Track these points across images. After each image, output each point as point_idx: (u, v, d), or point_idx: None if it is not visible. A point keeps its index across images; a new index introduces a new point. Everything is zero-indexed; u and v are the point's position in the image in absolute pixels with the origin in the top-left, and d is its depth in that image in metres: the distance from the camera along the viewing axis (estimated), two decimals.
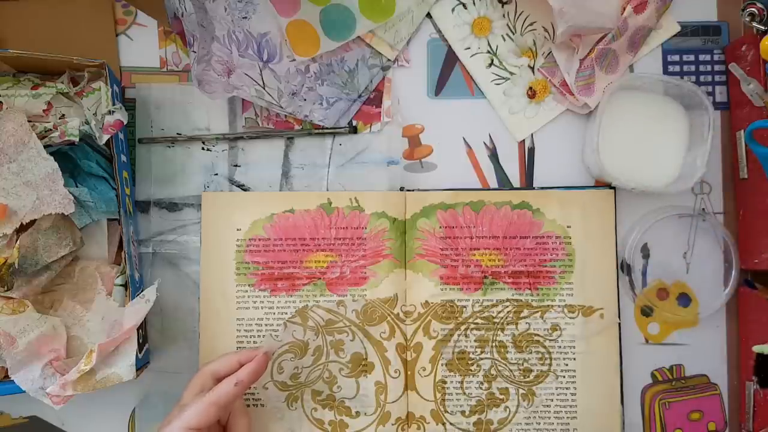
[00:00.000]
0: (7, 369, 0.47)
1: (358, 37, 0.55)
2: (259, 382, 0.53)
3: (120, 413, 0.54)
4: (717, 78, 0.56)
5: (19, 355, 0.47)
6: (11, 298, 0.48)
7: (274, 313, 0.54)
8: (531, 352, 0.54)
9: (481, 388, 0.54)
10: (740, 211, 0.55)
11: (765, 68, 0.51)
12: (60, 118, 0.51)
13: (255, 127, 0.56)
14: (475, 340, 0.54)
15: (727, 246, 0.55)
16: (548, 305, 0.54)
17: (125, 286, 0.50)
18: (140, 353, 0.49)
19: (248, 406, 0.53)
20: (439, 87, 0.56)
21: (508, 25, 0.56)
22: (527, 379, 0.54)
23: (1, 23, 0.53)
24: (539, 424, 0.54)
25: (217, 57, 0.54)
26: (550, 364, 0.54)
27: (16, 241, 0.48)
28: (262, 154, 0.56)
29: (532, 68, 0.56)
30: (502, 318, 0.54)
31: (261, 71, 0.54)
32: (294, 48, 0.54)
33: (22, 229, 0.48)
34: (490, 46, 0.56)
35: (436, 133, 0.56)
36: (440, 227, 0.54)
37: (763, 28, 0.51)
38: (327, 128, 0.55)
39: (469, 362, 0.54)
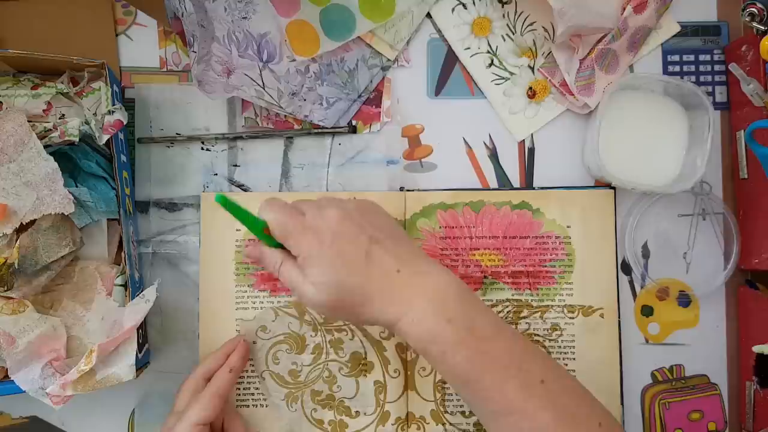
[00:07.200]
0: (7, 369, 0.47)
1: (358, 37, 0.55)
2: (255, 371, 0.53)
3: (120, 413, 0.54)
4: (717, 78, 0.56)
5: (19, 355, 0.47)
6: (11, 298, 0.48)
7: None
8: None
9: None
10: (740, 211, 0.55)
11: (765, 68, 0.51)
12: (60, 118, 0.51)
13: (254, 127, 0.56)
14: None
15: (727, 246, 0.55)
16: (548, 305, 0.54)
17: (125, 286, 0.50)
18: (140, 353, 0.49)
19: (248, 406, 0.53)
20: (439, 87, 0.56)
21: (508, 25, 0.56)
22: None
23: (1, 23, 0.53)
24: None
25: (217, 57, 0.54)
26: None
27: (16, 241, 0.48)
28: (261, 153, 0.56)
29: (532, 68, 0.56)
30: (501, 318, 0.54)
31: (261, 71, 0.54)
32: (294, 48, 0.54)
33: (22, 229, 0.48)
34: (490, 46, 0.56)
35: (436, 133, 0.56)
36: (440, 227, 0.54)
37: (763, 28, 0.51)
38: (327, 128, 0.55)
39: None
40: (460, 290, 0.42)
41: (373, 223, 0.44)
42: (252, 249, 0.46)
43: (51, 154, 0.48)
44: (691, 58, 0.56)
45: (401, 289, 0.42)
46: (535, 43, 0.56)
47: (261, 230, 0.44)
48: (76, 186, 0.50)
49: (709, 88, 0.56)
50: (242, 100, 0.56)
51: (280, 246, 0.44)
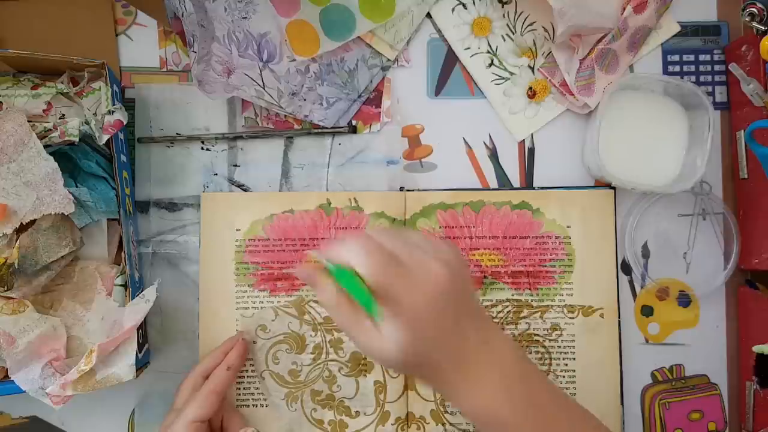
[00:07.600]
0: (7, 369, 0.47)
1: (358, 37, 0.55)
2: (255, 370, 0.53)
3: (120, 413, 0.54)
4: (717, 78, 0.56)
5: (19, 355, 0.47)
6: (11, 298, 0.48)
7: None
8: (531, 352, 0.54)
9: None
10: (740, 211, 0.55)
11: (765, 68, 0.51)
12: (60, 118, 0.51)
13: (254, 127, 0.56)
14: None
15: (727, 246, 0.55)
16: (548, 305, 0.54)
17: (125, 286, 0.50)
18: (140, 353, 0.49)
19: (248, 406, 0.53)
20: (439, 87, 0.56)
21: (508, 25, 0.56)
22: None
23: (1, 23, 0.53)
24: None
25: (217, 57, 0.54)
26: (550, 364, 0.54)
27: (16, 241, 0.48)
28: (261, 153, 0.56)
29: (532, 68, 0.56)
30: (501, 318, 0.54)
31: (261, 71, 0.54)
32: (294, 48, 0.54)
33: (22, 229, 0.48)
34: (490, 46, 0.56)
35: (436, 133, 0.56)
36: (440, 227, 0.54)
37: (763, 28, 0.51)
38: (327, 128, 0.55)
39: None
40: (524, 368, 0.41)
41: (466, 288, 0.41)
42: (302, 273, 0.41)
43: (51, 154, 0.48)
44: (691, 58, 0.56)
45: (474, 364, 0.40)
46: (535, 43, 0.56)
47: (368, 298, 0.38)
48: (76, 186, 0.50)
49: (709, 88, 0.56)
50: (242, 100, 0.56)
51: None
